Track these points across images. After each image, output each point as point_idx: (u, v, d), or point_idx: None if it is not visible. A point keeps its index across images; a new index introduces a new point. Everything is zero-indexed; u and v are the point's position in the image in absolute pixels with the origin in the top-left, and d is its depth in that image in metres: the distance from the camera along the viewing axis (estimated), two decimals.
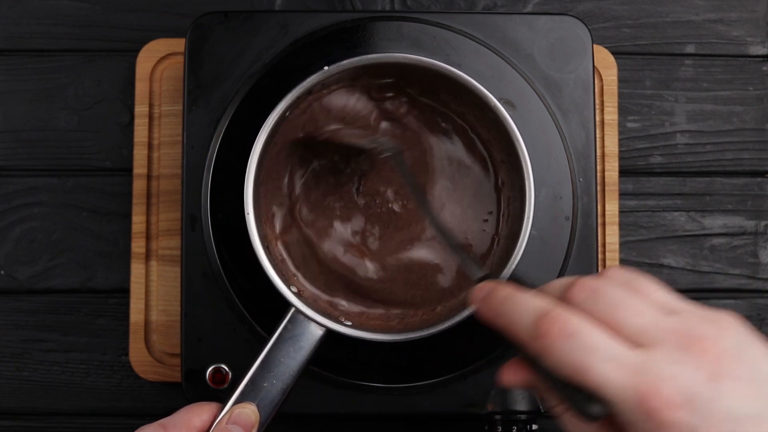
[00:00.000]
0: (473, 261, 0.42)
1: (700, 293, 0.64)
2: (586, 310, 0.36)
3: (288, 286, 0.50)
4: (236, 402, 0.48)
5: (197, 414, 0.47)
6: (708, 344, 0.34)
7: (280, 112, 0.52)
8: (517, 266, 0.51)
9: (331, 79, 0.53)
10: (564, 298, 0.37)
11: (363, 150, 0.55)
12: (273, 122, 0.52)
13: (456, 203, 0.56)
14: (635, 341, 0.35)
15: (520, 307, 0.37)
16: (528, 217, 0.51)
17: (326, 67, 0.52)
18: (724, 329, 0.35)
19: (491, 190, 0.56)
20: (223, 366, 0.55)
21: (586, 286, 0.37)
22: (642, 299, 0.36)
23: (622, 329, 0.35)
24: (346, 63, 0.52)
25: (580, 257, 0.56)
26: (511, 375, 0.39)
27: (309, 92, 0.52)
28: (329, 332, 0.50)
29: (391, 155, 0.54)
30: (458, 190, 0.56)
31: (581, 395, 0.35)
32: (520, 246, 0.51)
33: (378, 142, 0.55)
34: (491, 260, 0.55)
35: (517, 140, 0.52)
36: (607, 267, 0.39)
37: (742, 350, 0.35)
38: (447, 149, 0.56)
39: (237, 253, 0.55)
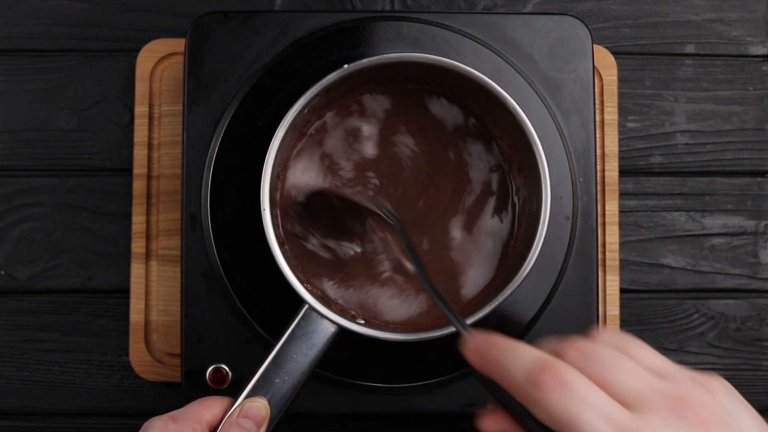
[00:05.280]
0: (461, 320, 0.43)
1: (700, 293, 0.64)
2: (579, 369, 0.36)
3: (302, 283, 0.50)
4: (248, 397, 0.47)
5: (208, 407, 0.47)
6: (698, 409, 0.35)
7: (299, 109, 0.51)
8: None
9: (345, 84, 0.53)
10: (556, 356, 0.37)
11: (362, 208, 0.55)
12: (291, 118, 0.51)
13: (469, 209, 0.56)
14: (627, 403, 0.35)
15: (515, 356, 0.37)
16: (543, 222, 0.51)
17: (346, 65, 0.51)
18: (715, 394, 0.36)
19: (506, 195, 0.56)
20: (223, 366, 0.55)
21: (577, 347, 0.37)
22: (634, 362, 0.37)
23: (614, 390, 0.35)
24: (366, 61, 0.52)
25: (580, 257, 0.56)
26: (491, 423, 0.39)
27: (328, 90, 0.52)
28: (341, 330, 0.50)
29: (394, 224, 0.54)
30: (471, 197, 0.56)
31: None
32: (535, 250, 0.51)
33: (382, 207, 0.54)
34: (507, 263, 0.55)
35: (536, 144, 0.51)
36: (598, 329, 0.39)
37: (730, 416, 0.35)
38: (467, 152, 0.56)
39: (237, 253, 0.55)
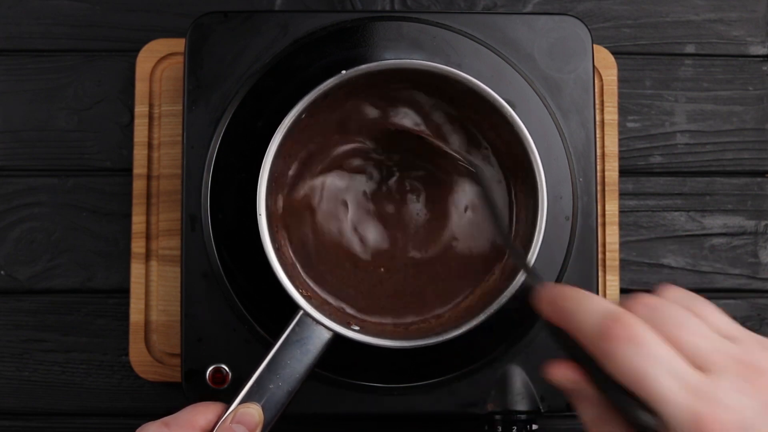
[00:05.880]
0: (535, 270, 0.43)
1: (700, 293, 0.63)
2: (649, 325, 0.36)
3: (297, 289, 0.50)
4: (242, 402, 0.47)
5: (202, 413, 0.47)
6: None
7: (296, 114, 0.51)
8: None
9: (345, 87, 0.53)
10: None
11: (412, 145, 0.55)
12: (288, 124, 0.51)
13: (470, 213, 0.56)
14: (696, 363, 0.35)
15: (588, 306, 0.37)
16: (540, 230, 0.51)
17: (344, 71, 0.51)
18: None
19: (504, 199, 0.56)
20: (223, 366, 0.55)
21: (645, 301, 0.36)
22: (702, 322, 0.36)
23: (684, 349, 0.35)
24: (364, 68, 0.52)
25: (580, 257, 0.56)
26: (560, 373, 0.38)
27: (326, 95, 0.52)
28: (337, 336, 0.50)
29: (477, 171, 0.54)
30: (474, 197, 0.56)
31: (634, 404, 0.35)
32: (534, 252, 0.51)
33: (464, 157, 0.55)
34: (504, 268, 0.55)
35: (532, 152, 0.51)
36: (663, 284, 0.39)
37: None
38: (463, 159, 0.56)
39: (237, 253, 0.55)
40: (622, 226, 0.63)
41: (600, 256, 0.60)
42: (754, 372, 0.34)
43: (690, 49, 0.65)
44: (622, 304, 0.37)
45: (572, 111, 0.57)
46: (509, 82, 0.56)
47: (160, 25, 0.64)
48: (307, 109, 0.52)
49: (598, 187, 0.58)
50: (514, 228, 0.55)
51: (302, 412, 0.55)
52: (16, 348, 0.62)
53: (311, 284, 0.55)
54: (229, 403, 0.48)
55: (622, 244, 0.63)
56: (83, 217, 0.63)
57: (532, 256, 0.51)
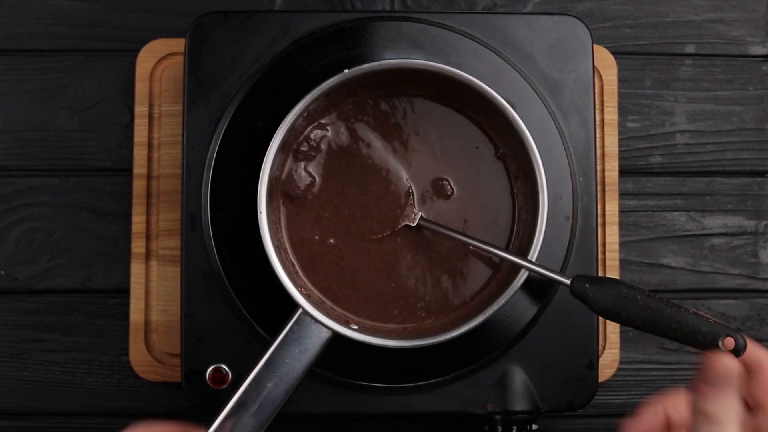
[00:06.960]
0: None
1: (700, 293, 0.64)
2: None
3: (296, 288, 0.50)
4: (238, 401, 0.47)
5: None
6: None
7: (298, 112, 0.51)
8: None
9: (345, 88, 0.53)
10: None
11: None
12: (290, 122, 0.51)
13: (473, 212, 0.56)
14: None
15: None
16: (540, 230, 0.51)
17: (346, 70, 0.52)
18: None
19: (507, 199, 0.56)
20: (223, 366, 0.55)
21: None
22: None
23: None
24: (367, 67, 0.52)
25: (580, 257, 0.56)
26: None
27: (327, 94, 0.52)
28: (335, 335, 0.50)
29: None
30: (476, 198, 0.56)
31: None
32: (533, 254, 0.51)
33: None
34: (504, 270, 0.55)
35: (534, 153, 0.51)
36: None
37: None
38: (467, 159, 0.56)
39: (237, 253, 0.55)
40: (622, 226, 0.63)
41: (600, 256, 0.60)
42: None
43: (690, 49, 0.65)
44: None
45: (572, 111, 0.57)
46: (509, 82, 0.56)
47: (160, 25, 0.64)
48: (309, 108, 0.52)
49: (598, 187, 0.58)
50: (515, 228, 0.56)
51: (302, 412, 0.55)
52: (16, 348, 0.62)
53: (310, 284, 0.55)
54: (229, 398, 0.48)
55: (622, 244, 0.63)
56: (83, 217, 0.63)
57: (533, 256, 0.51)
